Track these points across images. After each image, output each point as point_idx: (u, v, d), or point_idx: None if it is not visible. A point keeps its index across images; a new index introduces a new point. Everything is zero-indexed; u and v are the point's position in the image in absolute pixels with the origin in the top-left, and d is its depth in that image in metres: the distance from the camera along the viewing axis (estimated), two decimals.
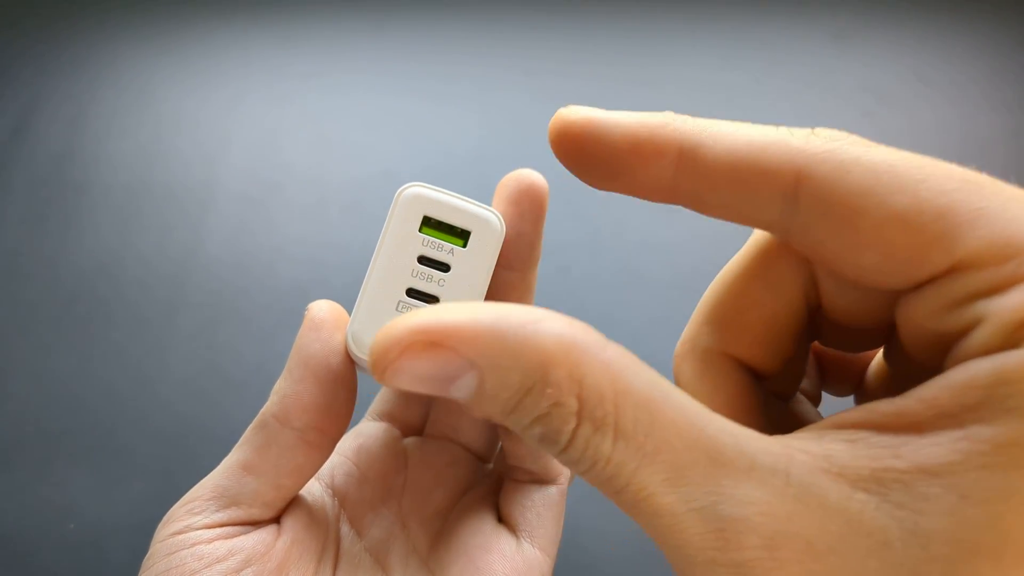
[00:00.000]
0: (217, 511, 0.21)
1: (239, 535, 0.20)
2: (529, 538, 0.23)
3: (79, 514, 0.37)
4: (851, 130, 0.15)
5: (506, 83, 0.54)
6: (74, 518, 0.37)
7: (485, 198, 0.24)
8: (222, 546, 0.20)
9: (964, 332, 0.13)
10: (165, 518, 0.21)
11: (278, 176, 0.49)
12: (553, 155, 0.16)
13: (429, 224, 0.22)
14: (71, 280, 0.45)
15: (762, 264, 0.17)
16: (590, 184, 0.17)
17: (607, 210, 0.46)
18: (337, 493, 0.24)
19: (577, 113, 0.16)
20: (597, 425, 0.13)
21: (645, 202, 0.16)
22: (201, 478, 0.22)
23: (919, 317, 0.14)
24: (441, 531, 0.24)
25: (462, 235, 0.22)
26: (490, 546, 0.22)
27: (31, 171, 0.49)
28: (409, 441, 0.26)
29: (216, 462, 0.22)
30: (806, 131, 0.14)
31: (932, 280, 0.13)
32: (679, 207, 0.17)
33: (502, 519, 0.24)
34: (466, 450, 0.26)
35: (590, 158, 0.16)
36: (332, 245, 0.46)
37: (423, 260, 0.21)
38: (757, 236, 0.18)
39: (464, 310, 0.13)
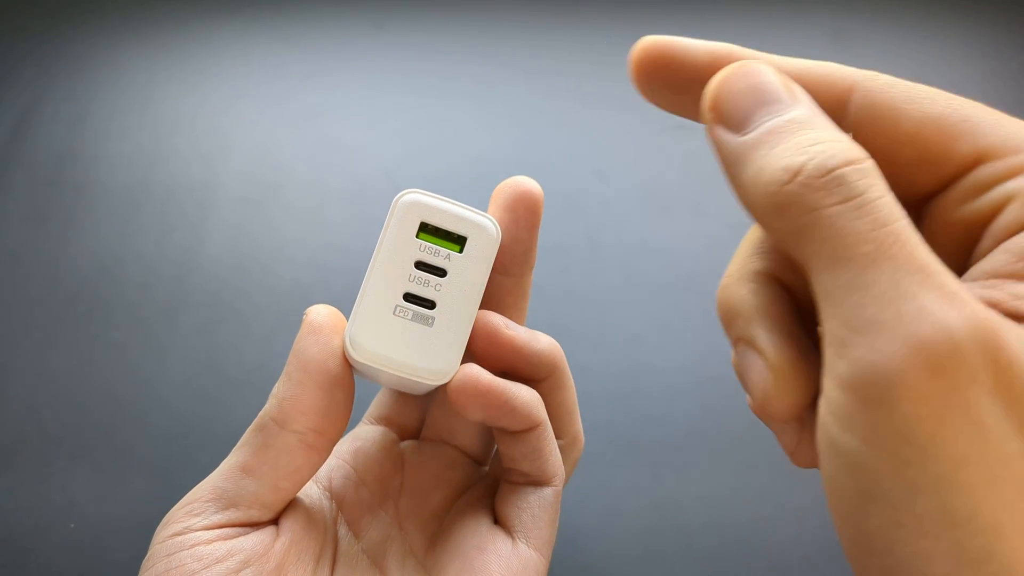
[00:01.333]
0: (216, 512, 0.21)
1: (238, 536, 0.21)
2: (525, 539, 0.23)
3: (79, 514, 0.37)
4: None
5: (507, 83, 0.54)
6: (74, 518, 0.37)
7: (486, 198, 0.24)
8: (221, 547, 0.20)
9: (994, 213, 0.15)
10: (164, 519, 0.21)
11: (278, 177, 0.49)
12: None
13: (426, 230, 0.22)
14: (71, 280, 0.45)
15: None
16: (661, 105, 0.19)
17: (605, 211, 0.46)
18: (335, 495, 0.24)
19: (658, 38, 0.19)
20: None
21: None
22: (201, 478, 0.22)
23: (948, 210, 0.16)
24: (438, 533, 0.24)
25: (458, 241, 0.22)
26: (486, 547, 0.22)
27: (31, 171, 0.49)
28: (406, 444, 0.26)
29: (216, 462, 0.22)
30: None
31: (958, 176, 0.16)
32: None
33: (498, 520, 0.24)
34: (462, 453, 0.26)
35: (670, 75, 0.18)
36: (332, 246, 0.46)
37: (420, 265, 0.22)
38: None
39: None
